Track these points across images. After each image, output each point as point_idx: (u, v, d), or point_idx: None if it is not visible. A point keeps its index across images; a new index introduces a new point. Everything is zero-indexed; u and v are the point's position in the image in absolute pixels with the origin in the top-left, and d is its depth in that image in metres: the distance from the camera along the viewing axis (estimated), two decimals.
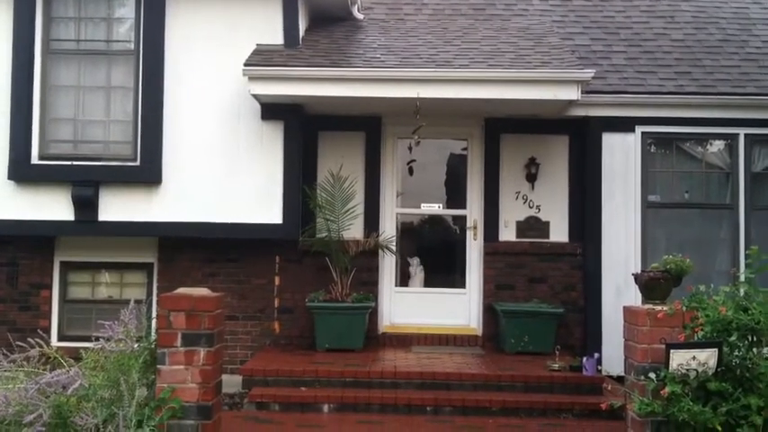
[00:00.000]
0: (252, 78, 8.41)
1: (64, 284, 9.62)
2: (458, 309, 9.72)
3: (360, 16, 10.59)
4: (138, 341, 5.92)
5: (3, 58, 9.00)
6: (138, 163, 8.95)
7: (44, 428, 5.39)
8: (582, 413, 7.36)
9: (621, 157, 9.30)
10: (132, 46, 9.11)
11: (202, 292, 6.04)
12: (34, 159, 8.97)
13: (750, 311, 5.27)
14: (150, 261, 9.60)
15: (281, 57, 8.73)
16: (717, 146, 9.51)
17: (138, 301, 6.26)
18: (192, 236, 9.10)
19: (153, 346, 5.88)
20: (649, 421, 5.40)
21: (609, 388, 7.12)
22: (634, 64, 9.92)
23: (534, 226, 9.59)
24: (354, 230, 9.42)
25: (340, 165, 9.41)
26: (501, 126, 9.63)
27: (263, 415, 7.32)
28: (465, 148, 9.99)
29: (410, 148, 9.51)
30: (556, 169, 9.62)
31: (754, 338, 5.32)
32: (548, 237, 9.59)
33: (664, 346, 5.33)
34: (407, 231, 10.11)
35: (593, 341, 9.05)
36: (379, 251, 9.48)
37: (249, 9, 9.09)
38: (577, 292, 9.46)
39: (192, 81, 9.02)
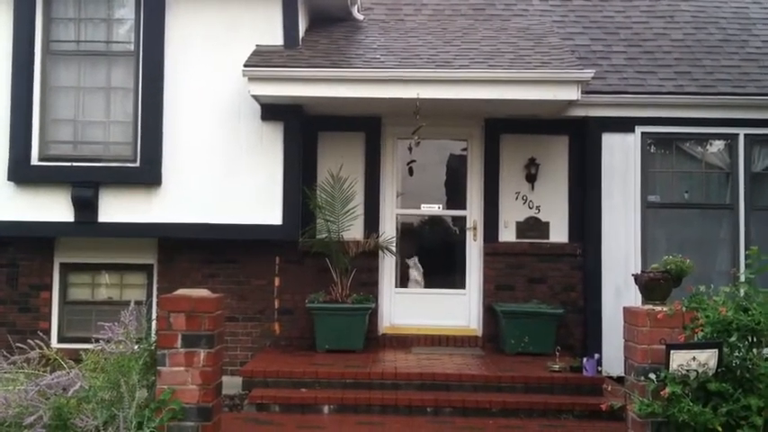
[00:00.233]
0: (252, 79, 8.41)
1: (64, 286, 9.62)
2: (458, 309, 9.72)
3: (359, 17, 10.59)
4: (138, 343, 5.93)
5: (3, 59, 8.99)
6: (137, 164, 8.95)
7: (44, 430, 5.40)
8: (582, 414, 7.36)
9: (621, 158, 9.30)
10: (132, 47, 9.10)
11: (202, 293, 6.04)
12: (34, 160, 8.97)
13: (750, 312, 5.27)
14: (150, 262, 9.60)
15: (280, 57, 8.73)
16: (717, 146, 9.51)
17: (137, 303, 6.27)
18: (191, 237, 9.10)
19: (153, 348, 5.88)
20: (650, 422, 5.40)
21: (609, 389, 7.11)
22: (634, 64, 9.92)
23: (534, 226, 9.59)
24: (354, 231, 9.41)
25: (340, 165, 9.40)
26: (501, 126, 9.63)
27: (264, 416, 7.31)
28: (465, 149, 9.99)
29: (410, 149, 9.51)
30: (556, 169, 9.61)
31: (755, 339, 5.32)
32: (547, 237, 9.58)
33: (664, 347, 5.33)
34: (407, 232, 10.11)
35: (593, 342, 9.05)
36: (379, 252, 9.48)
37: (249, 10, 9.08)
38: (577, 293, 9.46)
39: (191, 82, 9.01)
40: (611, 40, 10.51)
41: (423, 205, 10.07)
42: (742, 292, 5.56)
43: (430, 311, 9.68)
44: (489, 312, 9.45)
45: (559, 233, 9.58)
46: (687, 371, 5.17)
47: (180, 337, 5.76)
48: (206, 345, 5.77)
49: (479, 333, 9.58)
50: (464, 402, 7.47)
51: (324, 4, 9.96)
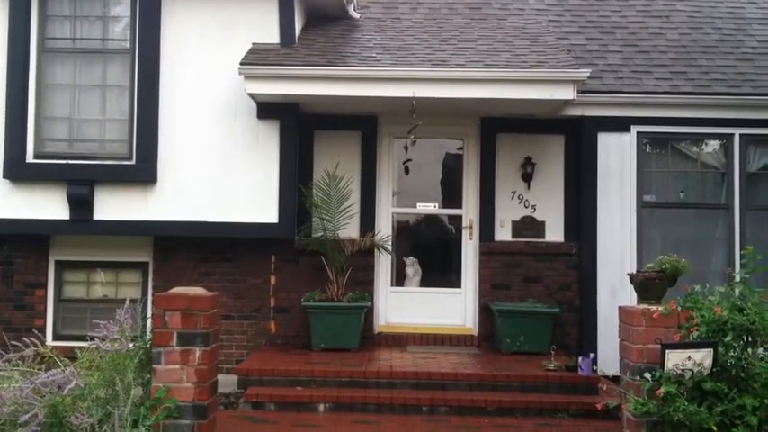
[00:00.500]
0: (248, 77, 8.40)
1: (59, 283, 9.60)
2: (453, 308, 9.72)
3: (356, 15, 10.59)
4: (133, 340, 5.92)
5: None
6: (133, 162, 8.94)
7: (39, 428, 5.39)
8: (577, 413, 7.36)
9: (617, 157, 9.31)
10: (128, 44, 9.09)
11: (198, 291, 6.04)
12: (29, 158, 8.96)
13: (745, 312, 5.30)
14: (145, 260, 9.58)
15: (276, 56, 8.73)
16: (712, 146, 9.53)
17: (133, 301, 6.27)
18: (187, 235, 9.09)
19: (148, 346, 5.88)
20: (645, 421, 5.41)
21: (604, 388, 7.12)
22: (630, 64, 9.93)
23: (530, 226, 9.59)
24: (350, 230, 9.41)
25: (336, 164, 9.40)
26: (497, 126, 9.64)
27: (259, 414, 7.31)
28: (461, 148, 10.00)
29: (406, 148, 9.50)
30: (551, 169, 9.62)
31: (750, 339, 5.35)
32: (543, 236, 9.59)
33: (659, 346, 5.35)
34: (403, 231, 10.11)
35: (588, 341, 9.06)
36: (375, 251, 9.48)
37: (245, 8, 9.08)
38: (573, 292, 9.47)
39: (187, 80, 9.00)
40: (606, 40, 10.52)
41: (419, 204, 10.07)
42: (737, 291, 5.59)
43: (425, 310, 9.68)
44: (485, 311, 9.46)
45: (555, 232, 9.59)
46: (682, 370, 5.19)
47: (175, 335, 5.75)
48: (201, 343, 5.77)
49: (475, 332, 9.59)
50: (460, 401, 7.47)
51: (320, 3, 9.96)
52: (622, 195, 9.27)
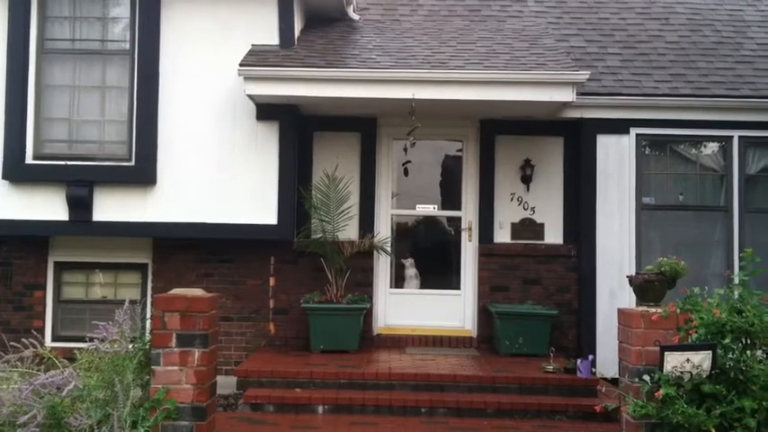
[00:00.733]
0: (247, 78, 8.41)
1: (58, 285, 9.60)
2: (452, 310, 9.73)
3: (355, 17, 10.60)
4: (132, 342, 5.92)
5: None
6: (132, 163, 8.94)
7: (38, 429, 5.40)
8: (576, 415, 7.37)
9: (616, 159, 9.31)
10: (127, 46, 9.09)
11: (197, 292, 6.04)
12: (29, 159, 8.95)
13: (744, 314, 5.30)
14: (145, 261, 9.58)
15: (276, 57, 8.73)
16: (711, 148, 9.53)
17: (132, 302, 6.26)
18: (186, 236, 9.09)
19: (147, 347, 5.88)
20: (644, 423, 5.41)
21: (603, 390, 7.13)
22: (629, 66, 9.94)
23: (529, 228, 9.60)
24: (349, 231, 9.41)
25: (335, 165, 9.41)
26: (496, 127, 9.64)
27: (258, 416, 7.31)
28: (460, 150, 10.00)
29: (405, 150, 9.50)
30: (551, 171, 9.62)
31: (748, 341, 5.35)
32: (542, 238, 9.59)
33: (658, 349, 5.35)
34: (402, 232, 10.12)
35: (587, 343, 9.06)
36: (374, 252, 9.48)
37: (244, 9, 9.08)
38: (572, 294, 9.47)
39: (187, 81, 9.00)
40: (606, 42, 10.53)
41: (418, 206, 10.08)
42: (736, 294, 5.60)
43: (425, 312, 9.69)
44: (484, 313, 9.46)
45: (554, 234, 9.59)
46: (681, 372, 5.20)
47: (174, 336, 5.76)
48: (200, 344, 5.77)
49: (474, 334, 9.59)
50: (458, 403, 7.48)
51: (319, 4, 9.96)
52: (621, 197, 9.27)
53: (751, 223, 9.27)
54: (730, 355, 5.31)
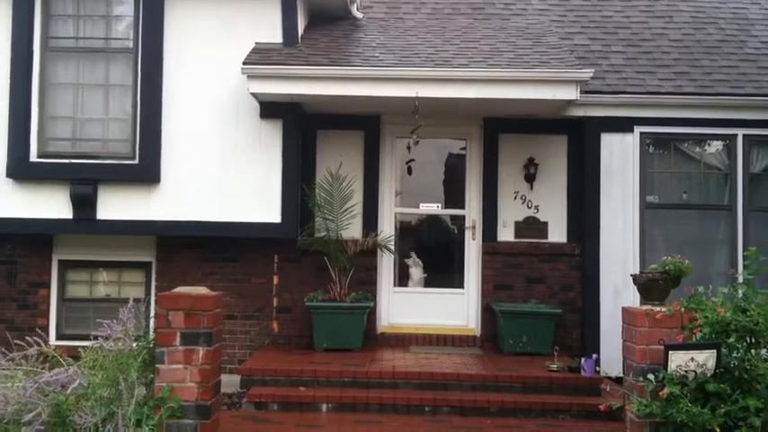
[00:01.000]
0: (251, 77, 8.40)
1: (62, 283, 9.61)
2: (456, 309, 9.72)
3: (359, 15, 10.59)
4: (136, 340, 5.93)
5: (1, 56, 8.97)
6: (136, 161, 8.94)
7: (43, 427, 5.40)
8: (580, 414, 7.37)
9: (620, 158, 9.30)
10: (131, 44, 9.09)
11: (201, 290, 6.04)
12: (33, 157, 8.96)
13: (749, 313, 5.30)
14: (149, 260, 9.59)
15: (279, 55, 8.73)
16: (715, 146, 9.52)
17: (136, 300, 6.26)
18: (190, 235, 9.10)
19: (152, 345, 5.89)
20: (648, 422, 5.41)
21: (607, 389, 7.12)
22: (633, 64, 9.93)
23: (533, 226, 9.59)
24: (353, 230, 9.42)
25: (339, 164, 9.41)
26: (500, 126, 9.63)
27: (262, 414, 7.31)
28: (464, 148, 9.99)
29: (409, 148, 9.50)
30: (554, 169, 9.61)
31: (753, 340, 5.34)
32: (546, 237, 9.58)
33: (662, 348, 5.34)
34: (406, 231, 10.11)
35: (591, 342, 9.06)
36: (378, 251, 9.48)
37: (248, 7, 9.08)
38: (576, 293, 9.46)
39: (190, 79, 9.01)
40: (609, 40, 10.52)
41: (421, 204, 10.07)
42: (740, 292, 5.59)
43: (428, 311, 9.68)
44: (488, 312, 9.45)
45: (558, 233, 9.58)
46: (686, 371, 5.19)
47: (179, 334, 5.77)
48: (205, 342, 5.78)
49: (478, 333, 9.59)
50: (462, 402, 7.48)
51: (323, 3, 9.96)
52: (625, 196, 9.27)
53: (755, 222, 9.26)
54: (735, 354, 5.30)
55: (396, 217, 9.93)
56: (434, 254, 10.07)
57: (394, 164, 9.91)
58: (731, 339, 5.28)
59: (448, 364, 8.29)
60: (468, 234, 9.81)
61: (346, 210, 9.24)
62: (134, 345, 5.87)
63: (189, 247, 9.42)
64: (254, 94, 8.59)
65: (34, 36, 9.01)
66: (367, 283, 9.50)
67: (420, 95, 8.38)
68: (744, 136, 9.32)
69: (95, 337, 5.90)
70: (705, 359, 5.18)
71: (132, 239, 9.45)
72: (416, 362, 8.40)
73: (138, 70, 9.00)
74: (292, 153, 8.98)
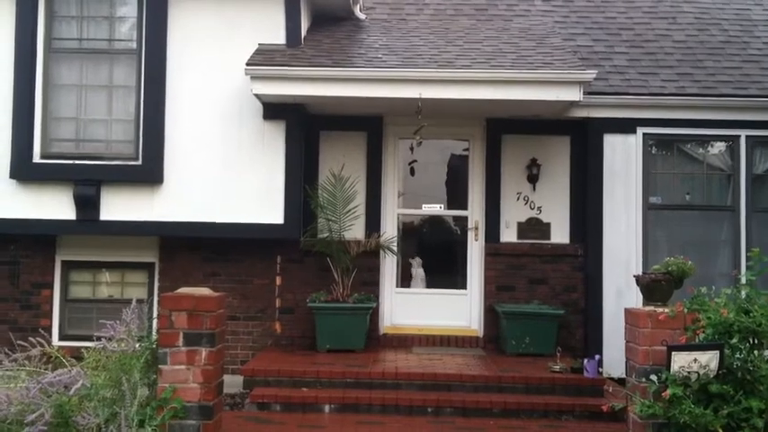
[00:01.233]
0: (254, 78, 8.41)
1: (65, 284, 9.62)
2: (459, 310, 9.72)
3: (362, 16, 10.60)
4: (139, 341, 5.93)
5: (5, 57, 9.00)
6: (139, 162, 8.95)
7: (46, 428, 5.40)
8: (583, 415, 7.36)
9: (623, 159, 9.30)
10: (134, 45, 9.10)
11: (204, 291, 6.05)
12: (36, 158, 8.97)
13: (751, 314, 5.28)
14: (151, 261, 9.60)
15: (283, 56, 8.73)
16: (718, 147, 9.51)
17: (139, 301, 6.27)
18: (193, 235, 9.11)
19: (154, 346, 5.89)
20: (651, 423, 5.41)
21: (610, 390, 7.12)
22: (636, 65, 9.92)
23: (535, 227, 9.58)
24: (356, 231, 9.42)
25: (341, 165, 9.41)
26: (502, 127, 9.63)
27: (265, 415, 7.32)
28: (466, 149, 10.00)
29: (412, 149, 9.49)
30: (557, 170, 9.61)
31: (756, 341, 5.33)
32: (549, 238, 9.58)
33: (665, 348, 5.34)
34: (409, 232, 10.11)
35: (594, 343, 9.05)
36: (381, 252, 9.48)
37: (251, 8, 9.08)
38: (578, 294, 9.45)
39: (194, 80, 9.02)
40: (613, 41, 10.52)
41: (424, 205, 10.07)
42: (743, 293, 5.58)
43: (431, 312, 9.68)
44: (490, 313, 9.45)
45: (561, 234, 9.58)
46: (688, 372, 5.18)
47: (181, 335, 5.77)
48: (207, 343, 5.78)
49: (480, 333, 9.58)
50: (465, 402, 7.48)
51: (326, 4, 9.97)
52: (628, 197, 9.27)
53: (758, 223, 9.26)
54: (738, 355, 5.30)
55: (398, 218, 9.94)
56: (437, 255, 10.07)
57: (397, 165, 9.92)
58: (734, 340, 5.28)
59: (451, 365, 8.28)
60: (470, 235, 9.81)
61: (349, 211, 9.25)
62: (137, 345, 5.87)
63: (192, 247, 9.43)
64: (257, 95, 8.60)
65: (38, 37, 9.02)
66: (369, 284, 9.50)
67: (423, 97, 8.38)
68: (747, 137, 9.31)
69: (98, 338, 5.90)
70: (708, 360, 5.18)
71: (135, 240, 9.46)
72: (419, 363, 8.40)
73: (142, 71, 9.01)
74: (295, 154, 8.98)
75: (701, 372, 5.17)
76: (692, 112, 9.30)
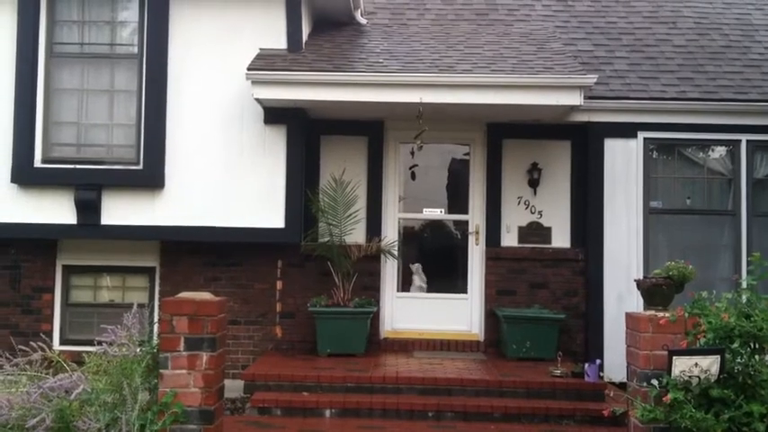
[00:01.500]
0: (255, 82, 8.42)
1: (66, 288, 9.62)
2: (459, 314, 9.72)
3: (363, 21, 10.61)
4: (140, 345, 5.92)
5: (6, 61, 9.02)
6: (140, 167, 8.96)
7: None
8: (584, 419, 7.36)
9: (623, 163, 9.31)
10: (135, 49, 9.12)
11: (205, 296, 6.04)
12: (37, 163, 8.99)
13: (752, 318, 5.29)
14: (152, 265, 9.60)
15: (284, 61, 8.75)
16: (719, 152, 9.52)
17: (140, 306, 6.26)
18: (194, 240, 9.11)
19: (155, 351, 5.88)
20: (652, 428, 5.40)
21: (611, 394, 7.11)
22: (636, 70, 9.93)
23: (536, 231, 9.59)
24: (356, 235, 9.42)
25: (342, 169, 9.41)
26: (503, 131, 9.64)
27: (265, 420, 7.31)
28: (467, 153, 10.00)
29: (412, 153, 9.48)
30: (558, 175, 9.62)
31: (757, 345, 5.33)
32: (550, 242, 9.58)
33: (666, 353, 5.34)
34: (409, 236, 10.12)
35: (594, 347, 9.05)
36: (381, 256, 9.49)
37: (252, 13, 9.10)
38: (579, 298, 9.45)
39: (195, 85, 9.03)
40: (613, 46, 10.52)
41: (425, 209, 10.08)
42: (744, 298, 5.58)
43: (432, 316, 9.68)
44: (491, 317, 9.45)
45: (561, 238, 9.58)
46: (689, 377, 5.19)
47: (182, 340, 5.75)
48: (208, 348, 5.77)
49: (481, 338, 9.58)
50: (465, 407, 7.47)
51: (327, 9, 9.99)
52: (629, 201, 9.27)
53: (759, 227, 9.26)
54: (739, 360, 5.30)
55: (399, 222, 9.94)
56: (438, 259, 10.07)
57: (397, 169, 9.92)
58: (735, 345, 5.27)
59: (451, 370, 8.28)
60: (471, 239, 9.81)
61: (350, 215, 9.25)
62: (138, 350, 5.86)
63: (192, 252, 9.44)
64: (258, 100, 8.61)
65: (39, 41, 9.03)
66: (370, 289, 9.51)
67: (424, 101, 8.39)
68: (747, 141, 9.32)
69: (99, 343, 5.89)
70: (709, 365, 5.18)
71: (136, 244, 9.47)
72: (420, 367, 8.40)
73: (143, 76, 9.02)
74: (296, 158, 8.99)
75: (702, 376, 5.17)
76: (692, 117, 9.31)
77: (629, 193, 9.28)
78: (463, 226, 9.94)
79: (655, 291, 6.21)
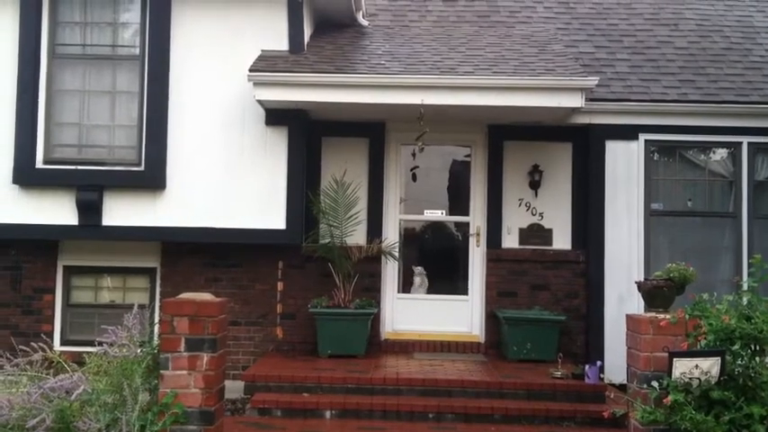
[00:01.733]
0: (257, 84, 8.43)
1: (67, 289, 9.63)
2: (460, 316, 9.72)
3: (364, 23, 10.62)
4: (141, 346, 5.92)
5: (8, 62, 9.03)
6: (142, 168, 8.97)
7: None
8: (584, 421, 7.35)
9: (624, 165, 9.31)
10: (137, 51, 9.12)
11: (206, 297, 6.04)
12: (39, 164, 9.00)
13: (753, 320, 5.29)
14: (153, 266, 9.61)
15: (285, 63, 8.76)
16: (720, 154, 9.52)
17: (141, 306, 6.27)
18: (195, 241, 9.12)
19: (156, 351, 5.88)
20: (652, 430, 5.39)
21: (611, 396, 7.10)
22: (638, 72, 9.93)
23: (537, 233, 9.59)
24: (357, 236, 9.42)
25: (344, 170, 9.41)
26: (504, 133, 9.64)
27: (266, 421, 7.31)
28: (468, 155, 10.01)
29: (413, 155, 9.49)
30: (559, 177, 9.62)
31: (757, 347, 5.33)
32: (550, 244, 9.58)
33: (666, 355, 5.34)
34: (410, 238, 10.11)
35: (595, 349, 9.04)
36: (382, 257, 9.49)
37: (254, 15, 9.11)
38: (580, 300, 9.45)
39: (196, 86, 9.04)
40: (615, 48, 10.53)
41: (426, 211, 10.08)
42: (745, 300, 5.57)
43: (432, 317, 9.68)
44: (492, 319, 9.45)
45: (562, 240, 9.58)
46: (690, 379, 5.18)
47: (183, 340, 5.76)
48: (209, 348, 5.78)
49: (482, 339, 9.58)
50: (466, 408, 7.47)
51: (329, 11, 10.00)
52: (630, 203, 9.27)
53: (760, 229, 9.26)
54: (739, 362, 5.30)
55: (400, 224, 9.94)
56: (438, 260, 10.08)
57: (398, 171, 9.92)
58: (736, 347, 5.27)
59: (452, 371, 8.28)
60: (472, 241, 9.82)
61: (351, 216, 9.25)
62: (138, 351, 5.86)
63: (193, 252, 9.44)
64: (259, 102, 8.62)
65: (41, 43, 9.05)
66: (371, 290, 9.51)
67: (425, 103, 8.40)
68: (749, 143, 9.32)
69: (100, 343, 5.90)
70: (709, 366, 5.17)
71: (137, 245, 9.48)
72: (420, 368, 8.40)
73: (145, 77, 9.03)
74: (297, 160, 9.00)
75: (703, 378, 5.17)
76: (693, 119, 9.31)
77: (630, 195, 9.27)
78: (464, 227, 9.94)
79: (656, 293, 6.21)
